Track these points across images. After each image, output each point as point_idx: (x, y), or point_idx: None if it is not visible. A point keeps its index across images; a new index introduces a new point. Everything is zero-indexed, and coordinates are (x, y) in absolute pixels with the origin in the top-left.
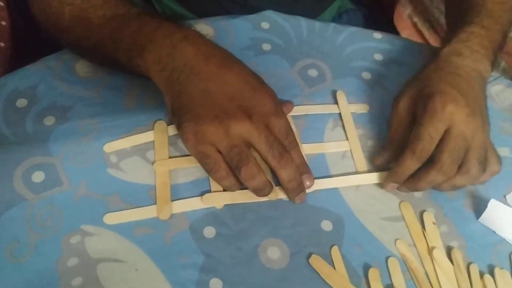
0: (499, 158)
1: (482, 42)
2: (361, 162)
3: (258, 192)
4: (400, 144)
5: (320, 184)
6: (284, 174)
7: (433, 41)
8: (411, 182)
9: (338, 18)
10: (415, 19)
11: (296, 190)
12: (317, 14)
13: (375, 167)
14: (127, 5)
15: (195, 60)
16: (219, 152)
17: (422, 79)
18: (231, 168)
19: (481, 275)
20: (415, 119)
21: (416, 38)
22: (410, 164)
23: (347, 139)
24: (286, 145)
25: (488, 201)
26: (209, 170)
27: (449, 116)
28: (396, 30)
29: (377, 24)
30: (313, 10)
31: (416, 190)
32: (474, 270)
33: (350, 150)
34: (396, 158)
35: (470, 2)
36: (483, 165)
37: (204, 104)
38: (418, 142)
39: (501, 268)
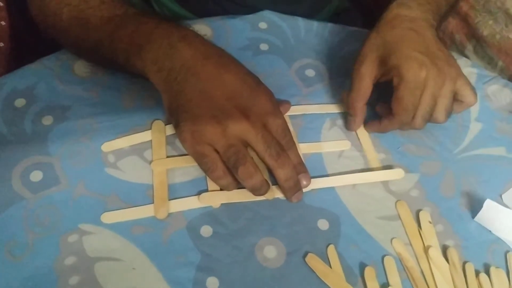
0: (474, 90)
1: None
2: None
3: (255, 191)
4: (362, 110)
5: (317, 184)
6: (281, 173)
7: None
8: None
9: (335, 18)
10: None
11: (293, 189)
12: (314, 14)
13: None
14: (125, 6)
15: (193, 60)
16: (217, 151)
17: (380, 40)
18: (228, 167)
19: (477, 274)
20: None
21: None
22: (393, 128)
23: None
24: (283, 145)
25: (484, 201)
26: (207, 169)
27: (424, 82)
28: None
29: (374, 24)
30: (311, 10)
31: (379, 131)
32: (470, 269)
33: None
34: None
35: None
36: (449, 111)
37: (202, 104)
38: (403, 113)
39: (497, 267)
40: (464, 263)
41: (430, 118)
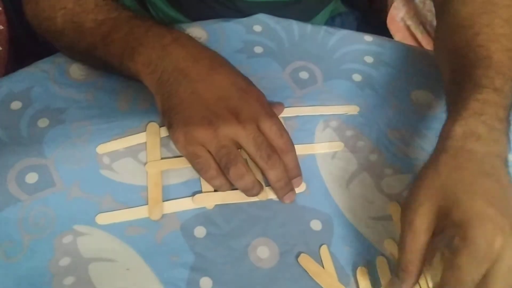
0: None
1: (498, 112)
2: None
3: (247, 192)
4: (417, 272)
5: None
6: (272, 174)
7: (426, 44)
8: None
9: (331, 22)
10: (408, 22)
11: (284, 189)
12: (310, 18)
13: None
14: (119, 9)
15: (185, 62)
16: (210, 152)
17: (441, 184)
18: (221, 168)
19: None
20: (436, 238)
21: (410, 41)
22: None
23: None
24: (281, 146)
25: None
26: (200, 169)
27: (497, 252)
28: (389, 33)
29: (370, 27)
30: (306, 14)
31: None
32: None
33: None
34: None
35: (473, 52)
36: None
37: (193, 105)
38: (456, 286)
39: None
40: None
41: None
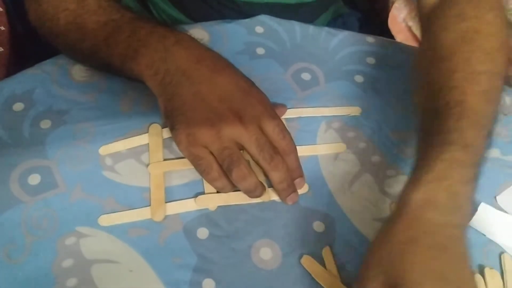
0: None
1: (464, 174)
2: None
3: (249, 193)
4: None
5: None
6: (275, 175)
7: None
8: None
9: (333, 23)
10: (410, 23)
11: (287, 190)
12: (312, 20)
13: None
14: (121, 10)
15: (187, 64)
16: (212, 153)
17: (392, 258)
18: (224, 169)
19: (475, 267)
20: None
21: (411, 42)
22: None
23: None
24: (283, 147)
25: (478, 203)
26: (202, 171)
27: None
28: (391, 34)
29: (372, 28)
30: (308, 16)
31: None
32: None
33: None
34: None
35: (448, 95)
36: None
37: (196, 107)
38: None
39: (491, 268)
40: None
41: None
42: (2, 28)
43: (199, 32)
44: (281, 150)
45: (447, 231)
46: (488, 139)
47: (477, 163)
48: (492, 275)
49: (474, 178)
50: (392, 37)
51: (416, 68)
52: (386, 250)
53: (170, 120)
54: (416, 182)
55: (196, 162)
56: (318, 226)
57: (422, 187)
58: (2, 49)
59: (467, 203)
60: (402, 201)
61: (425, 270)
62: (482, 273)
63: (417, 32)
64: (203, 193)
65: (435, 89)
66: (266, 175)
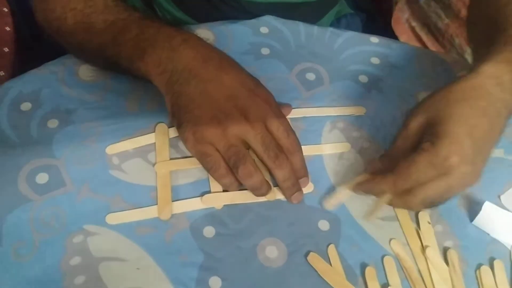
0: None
1: None
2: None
3: (255, 191)
4: (396, 162)
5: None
6: (279, 174)
7: (431, 45)
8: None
9: (336, 23)
10: (413, 24)
11: (291, 189)
12: (316, 20)
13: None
14: (129, 10)
15: (194, 63)
16: (219, 151)
17: (443, 101)
18: (230, 167)
19: (478, 266)
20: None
21: (415, 43)
22: (385, 188)
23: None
24: (287, 146)
25: (483, 202)
26: (209, 168)
27: (447, 168)
28: (395, 35)
29: (375, 29)
30: (312, 15)
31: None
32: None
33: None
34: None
35: (504, 19)
36: (428, 206)
37: (203, 105)
38: (403, 178)
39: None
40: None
41: (430, 206)
42: (7, 28)
43: (204, 32)
44: (285, 148)
45: (497, 105)
46: None
47: None
48: (500, 267)
49: None
50: (395, 37)
51: (470, 9)
52: (436, 99)
53: (177, 118)
54: (486, 58)
55: (203, 160)
56: (323, 224)
57: (492, 62)
58: (7, 50)
59: None
60: (472, 68)
61: (466, 128)
62: (491, 266)
63: (421, 33)
64: (209, 192)
65: (492, 16)
66: (271, 173)
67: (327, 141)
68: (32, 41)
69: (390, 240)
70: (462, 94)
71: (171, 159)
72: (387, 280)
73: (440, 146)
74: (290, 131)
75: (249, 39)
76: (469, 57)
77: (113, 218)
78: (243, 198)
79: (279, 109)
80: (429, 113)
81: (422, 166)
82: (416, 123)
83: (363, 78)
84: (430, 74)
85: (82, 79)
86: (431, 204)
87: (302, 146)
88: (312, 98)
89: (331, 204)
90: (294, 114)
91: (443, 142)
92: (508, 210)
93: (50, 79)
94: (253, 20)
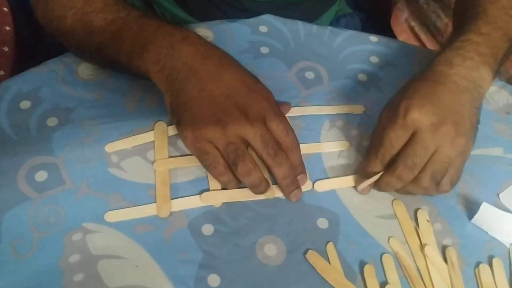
0: (456, 179)
1: (478, 49)
2: None
3: (254, 188)
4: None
5: (321, 186)
6: (278, 171)
7: (430, 44)
8: (376, 183)
9: (336, 22)
10: (412, 23)
11: (290, 187)
12: (315, 18)
13: None
14: (128, 8)
15: (193, 60)
16: (218, 149)
17: (405, 88)
18: (229, 165)
19: (477, 265)
20: None
21: (413, 42)
22: (373, 166)
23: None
24: (286, 144)
25: (481, 200)
26: (208, 166)
27: (411, 123)
28: (394, 34)
29: (374, 28)
30: (311, 14)
31: (380, 190)
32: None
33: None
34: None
35: (471, 10)
36: (437, 179)
37: (202, 103)
38: (380, 147)
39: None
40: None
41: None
42: (7, 28)
43: (203, 31)
44: (284, 146)
45: (454, 77)
46: (507, 40)
47: (494, 53)
48: (499, 265)
49: (491, 55)
50: (394, 37)
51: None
52: (404, 87)
53: (176, 116)
54: (440, 53)
55: (202, 157)
56: (322, 223)
57: (443, 54)
58: (7, 49)
59: (483, 67)
60: (428, 65)
61: (421, 92)
62: (490, 264)
63: (420, 32)
64: (208, 190)
65: (465, 7)
66: (270, 171)
67: (326, 140)
68: (32, 40)
69: (389, 238)
70: (420, 78)
71: (170, 157)
72: (386, 278)
73: (396, 110)
74: (289, 129)
75: (248, 38)
76: None
77: (112, 216)
78: (242, 196)
79: (278, 107)
80: (393, 103)
81: (388, 139)
82: (385, 111)
83: (362, 77)
84: None
85: (81, 78)
86: (441, 177)
87: (301, 145)
88: (311, 96)
89: (363, 187)
90: (293, 112)
91: (398, 106)
92: (506, 208)
93: (49, 78)
94: (252, 19)
